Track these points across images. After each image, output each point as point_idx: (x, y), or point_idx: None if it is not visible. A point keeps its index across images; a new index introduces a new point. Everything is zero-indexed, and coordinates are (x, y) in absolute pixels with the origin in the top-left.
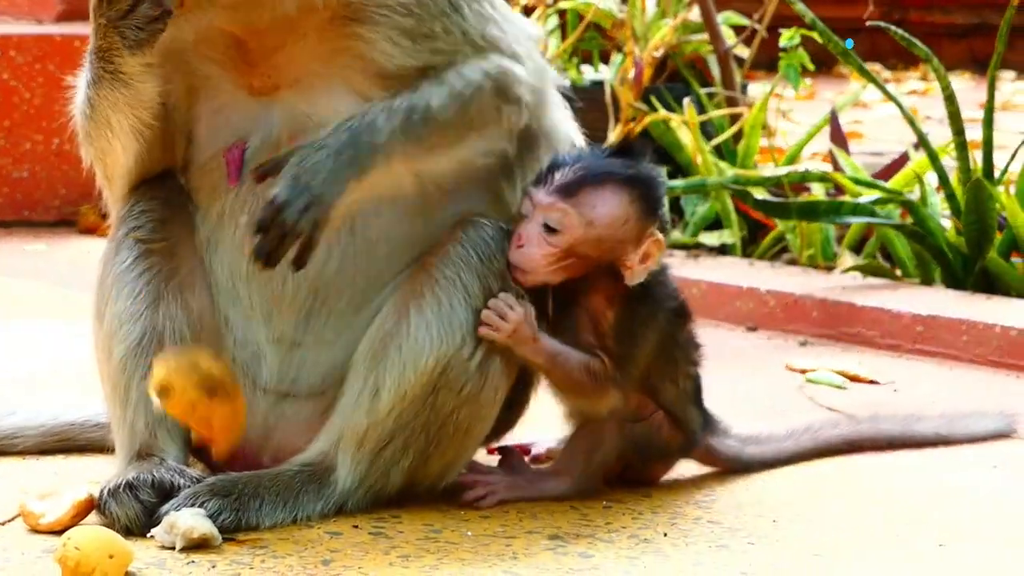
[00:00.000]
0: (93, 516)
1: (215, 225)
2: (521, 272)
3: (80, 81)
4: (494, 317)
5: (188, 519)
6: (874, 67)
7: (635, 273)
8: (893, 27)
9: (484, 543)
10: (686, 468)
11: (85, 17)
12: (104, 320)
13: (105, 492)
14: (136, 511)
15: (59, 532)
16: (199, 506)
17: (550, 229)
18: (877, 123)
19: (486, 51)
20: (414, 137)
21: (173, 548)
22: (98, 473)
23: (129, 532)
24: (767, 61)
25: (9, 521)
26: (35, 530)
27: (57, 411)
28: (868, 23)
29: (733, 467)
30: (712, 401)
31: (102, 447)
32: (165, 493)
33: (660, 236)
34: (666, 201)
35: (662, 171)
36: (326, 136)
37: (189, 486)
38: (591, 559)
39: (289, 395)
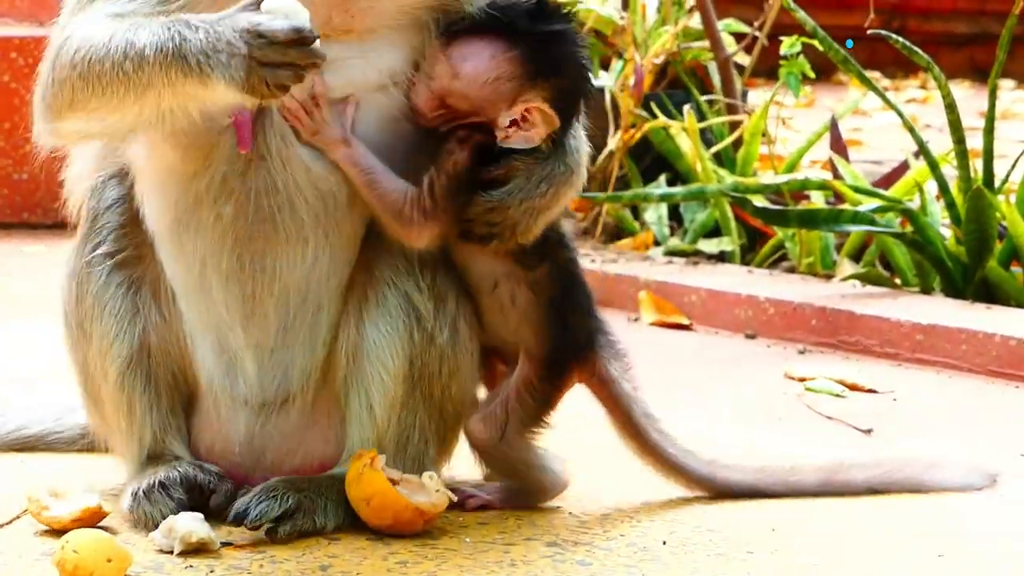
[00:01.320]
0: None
1: (188, 211)
2: (412, 112)
3: (121, 30)
4: (301, 112)
5: (187, 523)
6: (874, 75)
7: (507, 137)
8: (894, 36)
9: (482, 549)
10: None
11: None
12: (92, 339)
13: (138, 493)
14: (171, 508)
15: (59, 533)
16: (275, 499)
17: (428, 75)
18: (877, 131)
19: None
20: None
21: (171, 552)
22: (99, 478)
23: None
24: (767, 68)
25: (10, 523)
26: (36, 519)
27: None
28: (869, 32)
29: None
30: (710, 409)
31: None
32: (195, 489)
33: (542, 105)
34: (570, 71)
35: (574, 39)
36: None
37: (214, 481)
38: (589, 567)
39: (271, 405)
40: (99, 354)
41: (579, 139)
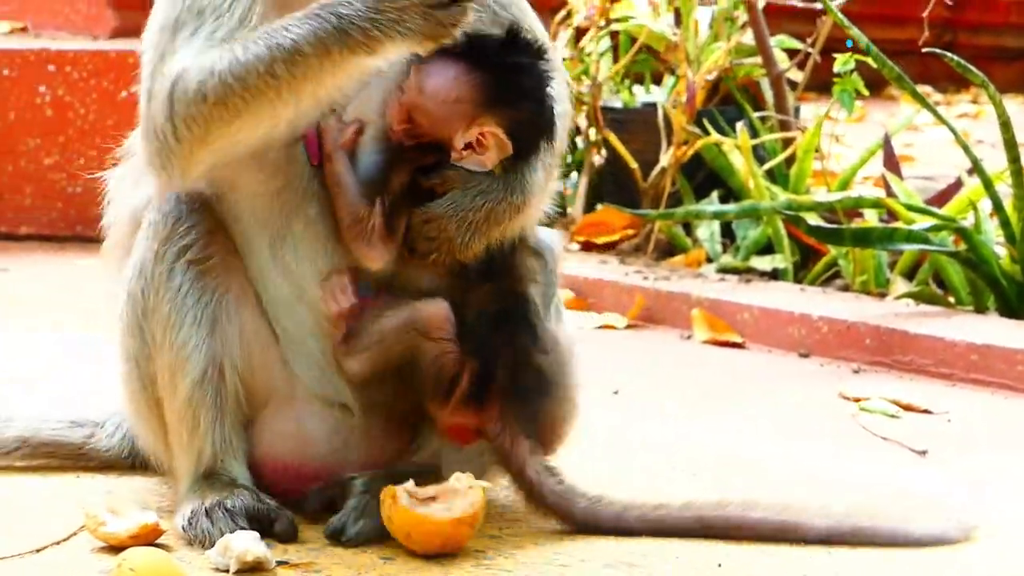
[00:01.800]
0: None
1: (280, 223)
2: (387, 127)
3: (254, 42)
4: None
5: (243, 542)
6: (925, 89)
7: (459, 156)
8: (949, 54)
9: (538, 570)
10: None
11: (139, 33)
12: (164, 349)
13: (198, 512)
14: (230, 529)
15: (116, 549)
16: (369, 517)
17: (401, 88)
18: (929, 146)
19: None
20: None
21: (227, 571)
22: (151, 497)
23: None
24: (819, 82)
25: (68, 539)
26: (93, 535)
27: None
28: (924, 50)
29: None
30: (763, 429)
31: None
32: (256, 520)
33: (496, 130)
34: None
35: (541, 73)
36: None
37: (274, 511)
38: None
39: (363, 406)
40: (170, 365)
41: (538, 173)
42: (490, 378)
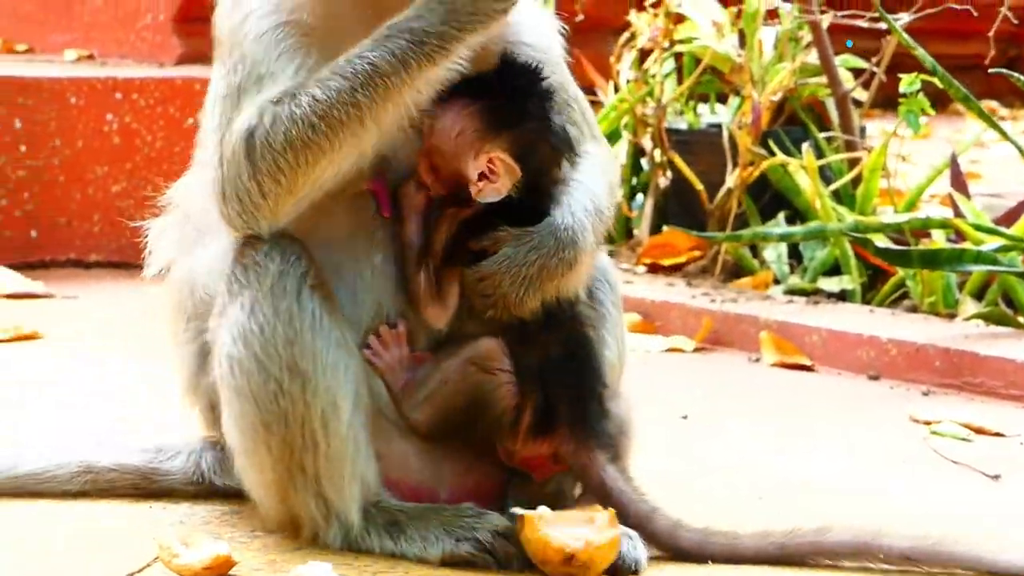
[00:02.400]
0: None
1: (349, 268)
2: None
3: (328, 79)
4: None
5: (314, 572)
6: (990, 104)
7: (480, 191)
8: (1015, 74)
9: None
10: None
11: (205, 60)
12: (311, 380)
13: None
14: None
15: None
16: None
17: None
18: (995, 163)
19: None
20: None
21: None
22: (222, 528)
23: None
24: (884, 98)
25: (142, 570)
26: (167, 566)
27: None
28: (990, 70)
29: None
30: (834, 453)
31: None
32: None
33: (502, 155)
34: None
35: (540, 94)
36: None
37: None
38: None
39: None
40: (321, 395)
41: (588, 230)
42: (553, 408)
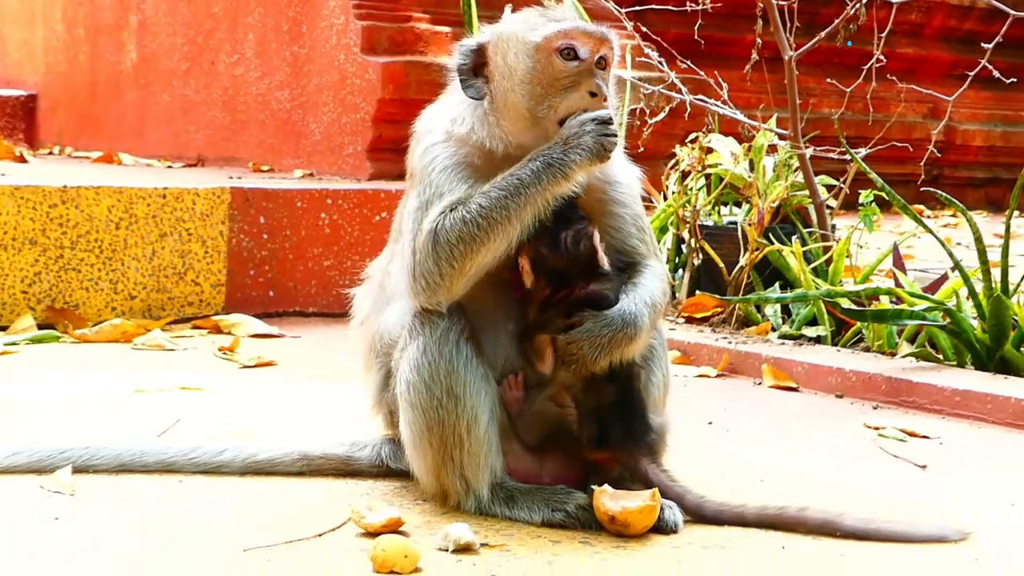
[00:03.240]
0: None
1: (490, 329)
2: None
3: (485, 195)
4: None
5: (458, 531)
6: (920, 207)
7: (524, 278)
8: (939, 192)
9: (660, 548)
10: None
11: (387, 177)
12: (463, 398)
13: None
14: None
15: (372, 535)
16: (675, 511)
17: None
18: (924, 246)
19: (657, 255)
20: (653, 319)
21: (447, 550)
22: (395, 498)
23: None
24: (848, 201)
25: (338, 528)
26: (357, 524)
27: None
28: (922, 189)
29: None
30: (811, 449)
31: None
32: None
33: (523, 261)
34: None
35: (566, 220)
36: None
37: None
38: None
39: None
40: (472, 408)
41: (645, 316)
42: (606, 432)
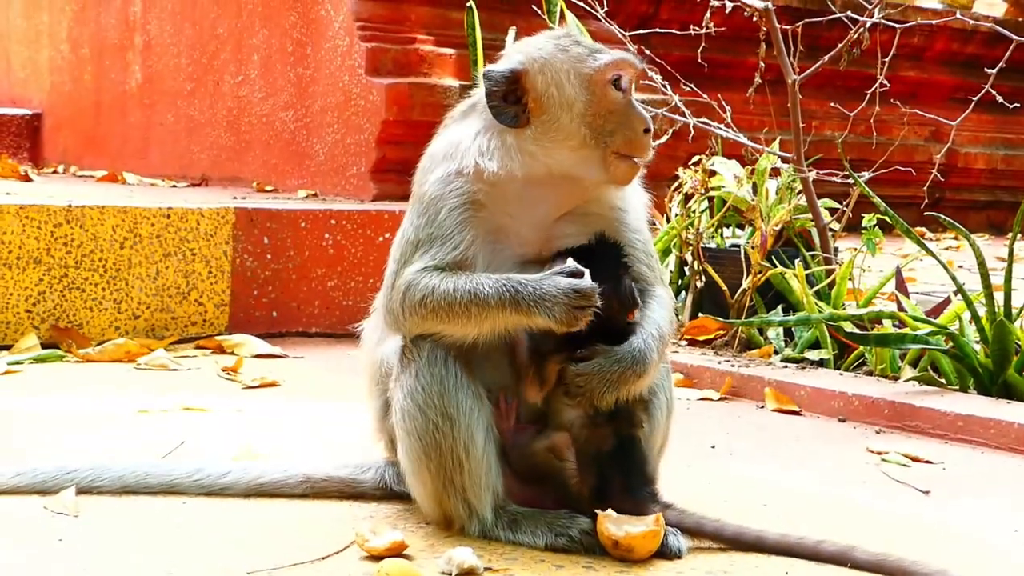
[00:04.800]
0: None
1: (487, 359)
2: None
3: (462, 284)
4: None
5: (461, 555)
6: (922, 230)
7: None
8: (941, 216)
9: (664, 571)
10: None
11: (390, 198)
12: (457, 421)
13: (544, 532)
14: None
15: (375, 558)
16: (678, 536)
17: None
18: (927, 269)
19: (664, 283)
20: (662, 353)
21: (450, 574)
22: (399, 521)
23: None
24: (851, 224)
25: (342, 551)
26: (360, 547)
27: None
28: (925, 213)
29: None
30: (814, 473)
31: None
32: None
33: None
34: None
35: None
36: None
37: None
38: None
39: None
40: (463, 431)
41: (654, 351)
42: (606, 486)
